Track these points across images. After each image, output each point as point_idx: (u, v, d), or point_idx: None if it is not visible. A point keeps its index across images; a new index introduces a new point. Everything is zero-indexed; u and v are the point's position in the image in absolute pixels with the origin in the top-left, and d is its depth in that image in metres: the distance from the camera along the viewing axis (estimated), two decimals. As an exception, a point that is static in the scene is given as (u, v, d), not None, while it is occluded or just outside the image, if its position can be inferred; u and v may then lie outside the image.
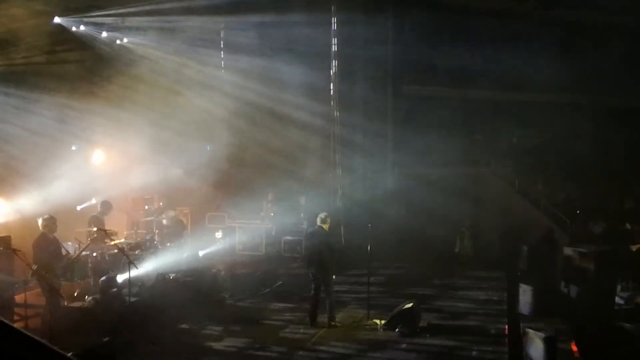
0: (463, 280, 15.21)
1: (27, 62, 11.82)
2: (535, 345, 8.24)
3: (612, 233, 14.75)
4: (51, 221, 9.75)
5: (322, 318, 10.67)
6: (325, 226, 10.70)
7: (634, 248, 13.40)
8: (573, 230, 15.71)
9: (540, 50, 19.79)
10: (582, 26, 19.38)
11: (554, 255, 13.73)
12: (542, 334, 8.19)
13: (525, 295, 11.57)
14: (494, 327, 10.52)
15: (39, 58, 12.12)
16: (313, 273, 10.65)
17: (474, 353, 9.18)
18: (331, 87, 18.86)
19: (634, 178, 18.00)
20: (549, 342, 8.12)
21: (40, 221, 9.69)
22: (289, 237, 17.37)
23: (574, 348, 9.23)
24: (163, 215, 14.23)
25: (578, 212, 16.79)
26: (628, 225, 14.02)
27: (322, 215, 10.83)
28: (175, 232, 14.02)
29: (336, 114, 18.85)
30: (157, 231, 13.46)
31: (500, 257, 16.28)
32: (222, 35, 18.36)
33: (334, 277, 10.93)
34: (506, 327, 10.37)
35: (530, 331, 8.43)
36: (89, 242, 11.31)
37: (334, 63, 18.68)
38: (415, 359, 8.92)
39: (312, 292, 10.67)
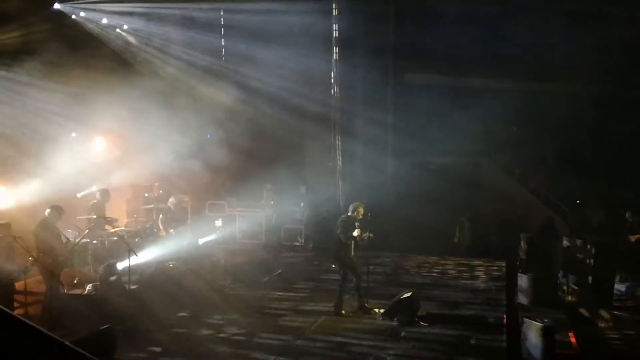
0: (462, 269, 15.27)
1: (25, 46, 11.72)
2: (534, 335, 8.27)
3: (611, 223, 14.77)
4: (58, 210, 9.76)
5: (320, 306, 10.72)
6: (352, 215, 10.62)
7: (633, 238, 13.44)
8: (573, 220, 15.75)
9: (541, 40, 19.72)
10: (583, 15, 19.29)
11: (553, 245, 13.75)
12: (540, 324, 8.22)
13: (524, 285, 11.62)
14: (493, 316, 10.54)
15: (38, 43, 12.03)
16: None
17: (472, 342, 9.21)
18: (332, 75, 18.80)
19: (633, 168, 17.99)
20: (547, 332, 8.15)
21: (47, 209, 9.72)
22: (289, 226, 17.42)
23: (572, 338, 9.27)
24: (170, 200, 14.20)
25: (578, 202, 16.82)
26: (628, 216, 14.01)
27: (352, 205, 10.77)
28: (179, 218, 14.00)
29: (337, 102, 18.80)
30: (161, 216, 13.43)
31: (499, 246, 16.33)
32: (222, 22, 18.27)
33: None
34: (504, 316, 10.43)
35: (529, 321, 8.45)
36: (87, 229, 11.31)
37: (335, 51, 18.61)
38: (413, 348, 8.94)
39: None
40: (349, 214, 10.64)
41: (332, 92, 18.75)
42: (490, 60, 18.71)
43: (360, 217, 10.58)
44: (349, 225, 10.53)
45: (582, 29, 19.13)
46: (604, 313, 10.74)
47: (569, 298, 11.91)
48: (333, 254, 10.80)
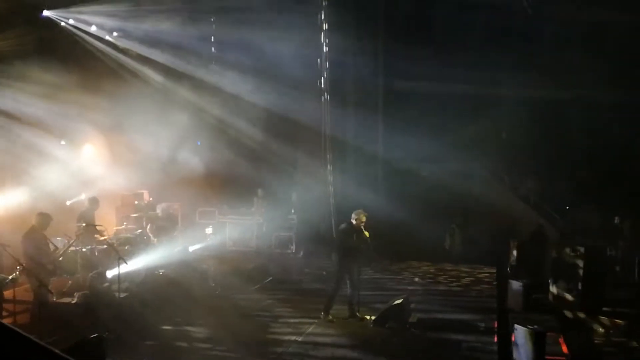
0: (452, 275, 15.29)
1: (12, 53, 11.64)
2: (524, 340, 8.28)
3: (602, 228, 14.84)
4: (45, 218, 9.67)
5: (311, 314, 10.71)
6: (355, 222, 10.65)
7: (622, 244, 13.50)
8: (563, 226, 15.81)
9: (532, 46, 19.83)
10: (575, 21, 19.42)
11: (543, 251, 13.80)
12: (531, 330, 8.23)
13: (514, 291, 11.64)
14: (484, 322, 10.56)
15: (26, 49, 11.95)
16: None
17: (463, 347, 9.22)
18: (322, 82, 18.80)
19: (625, 173, 18.09)
20: (537, 338, 8.16)
21: (35, 216, 9.63)
22: (279, 233, 17.39)
23: (562, 343, 9.29)
24: (158, 208, 14.13)
25: (567, 208, 16.89)
26: (617, 221, 14.07)
27: (355, 213, 10.80)
28: (168, 226, 13.95)
29: (327, 109, 18.80)
30: (149, 225, 13.36)
31: (489, 253, 16.35)
32: (213, 30, 18.24)
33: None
34: (495, 322, 10.43)
35: (520, 327, 8.47)
36: (74, 237, 11.21)
37: (324, 57, 18.62)
38: (404, 355, 8.94)
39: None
40: (352, 221, 10.66)
41: (323, 99, 18.74)
42: (482, 67, 18.77)
43: (363, 224, 10.61)
44: (352, 232, 10.57)
45: (573, 35, 19.27)
46: (603, 319, 10.71)
47: (559, 303, 11.93)
48: (335, 259, 10.79)
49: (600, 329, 10.48)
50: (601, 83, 18.57)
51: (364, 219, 10.64)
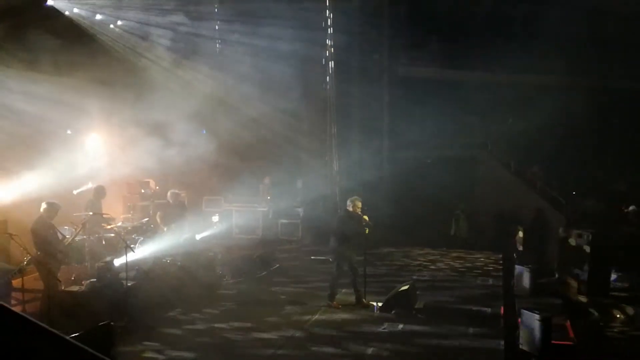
0: (458, 262, 15.31)
1: (18, 43, 11.65)
2: (531, 325, 8.31)
3: (607, 215, 14.81)
4: (53, 207, 9.70)
5: (317, 300, 10.77)
6: (351, 210, 10.69)
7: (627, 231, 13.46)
8: (568, 212, 15.78)
9: (536, 32, 19.71)
10: (578, 8, 19.29)
11: (545, 236, 13.81)
12: (537, 315, 8.25)
13: (520, 276, 11.67)
14: (490, 308, 10.58)
15: (32, 39, 11.96)
16: None
17: (470, 332, 9.25)
18: (327, 70, 18.74)
19: (628, 160, 18.04)
20: (544, 323, 8.18)
21: (43, 205, 9.66)
22: (285, 220, 17.45)
23: (569, 328, 9.31)
24: (169, 194, 14.13)
25: (573, 193, 16.86)
26: (632, 208, 14.01)
27: (349, 200, 10.87)
28: (179, 213, 13.94)
29: (331, 97, 18.77)
30: (159, 213, 13.37)
31: (495, 239, 16.38)
32: (216, 14, 18.17)
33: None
34: (502, 308, 10.46)
35: (526, 312, 8.49)
36: (80, 226, 11.24)
37: (329, 45, 18.56)
38: (411, 341, 8.97)
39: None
40: (349, 208, 10.70)
41: (327, 87, 18.70)
42: (486, 53, 18.69)
43: (359, 209, 10.62)
44: (349, 219, 10.59)
45: (578, 20, 19.13)
46: (628, 308, 10.62)
47: (566, 288, 11.95)
48: (331, 248, 10.83)
49: (620, 315, 10.46)
50: (610, 69, 18.47)
51: (359, 205, 10.67)
